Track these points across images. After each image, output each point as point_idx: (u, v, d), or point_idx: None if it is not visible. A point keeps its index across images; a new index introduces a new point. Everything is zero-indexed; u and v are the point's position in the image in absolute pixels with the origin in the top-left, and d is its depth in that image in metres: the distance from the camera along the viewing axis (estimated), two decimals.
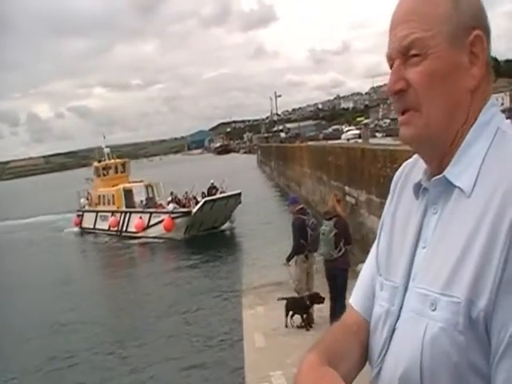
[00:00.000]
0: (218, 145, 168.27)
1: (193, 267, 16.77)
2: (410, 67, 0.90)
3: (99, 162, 29.28)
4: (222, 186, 23.24)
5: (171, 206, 22.18)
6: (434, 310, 0.85)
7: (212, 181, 23.69)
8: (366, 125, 31.03)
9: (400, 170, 1.13)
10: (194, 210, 20.96)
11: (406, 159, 1.12)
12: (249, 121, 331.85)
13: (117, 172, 28.49)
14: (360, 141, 27.97)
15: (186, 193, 23.24)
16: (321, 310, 8.15)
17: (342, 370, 0.92)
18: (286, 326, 8.09)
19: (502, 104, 56.22)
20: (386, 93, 0.95)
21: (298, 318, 8.13)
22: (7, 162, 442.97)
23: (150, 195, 25.75)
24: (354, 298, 1.13)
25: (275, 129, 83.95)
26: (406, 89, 0.91)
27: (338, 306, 7.24)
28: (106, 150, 29.53)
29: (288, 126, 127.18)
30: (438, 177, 0.92)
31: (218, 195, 22.05)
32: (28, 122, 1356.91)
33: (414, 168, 1.07)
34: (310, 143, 34.77)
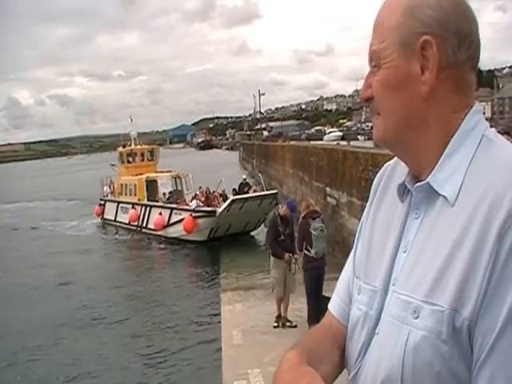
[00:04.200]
0: (200, 140, 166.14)
1: (192, 265, 16.55)
2: (372, 77, 0.96)
3: (124, 147, 26.29)
4: (254, 184, 20.38)
5: (194, 203, 18.95)
6: (416, 318, 0.84)
7: (244, 176, 21.21)
8: None
9: (381, 171, 1.12)
10: (220, 210, 17.74)
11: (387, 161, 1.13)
12: (232, 117, 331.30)
13: (143, 159, 25.47)
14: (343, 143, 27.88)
15: (207, 189, 20.08)
16: (299, 310, 8.14)
17: (321, 371, 0.90)
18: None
19: (484, 113, 57.70)
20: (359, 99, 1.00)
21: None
22: None
23: (179, 188, 22.66)
24: (332, 304, 1.12)
25: (258, 127, 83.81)
26: (372, 96, 0.96)
27: (323, 306, 7.31)
28: (133, 134, 26.35)
29: (271, 124, 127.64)
30: (422, 183, 0.91)
31: (250, 194, 18.93)
32: (6, 108, 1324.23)
33: (395, 169, 1.07)
34: (292, 143, 34.86)
